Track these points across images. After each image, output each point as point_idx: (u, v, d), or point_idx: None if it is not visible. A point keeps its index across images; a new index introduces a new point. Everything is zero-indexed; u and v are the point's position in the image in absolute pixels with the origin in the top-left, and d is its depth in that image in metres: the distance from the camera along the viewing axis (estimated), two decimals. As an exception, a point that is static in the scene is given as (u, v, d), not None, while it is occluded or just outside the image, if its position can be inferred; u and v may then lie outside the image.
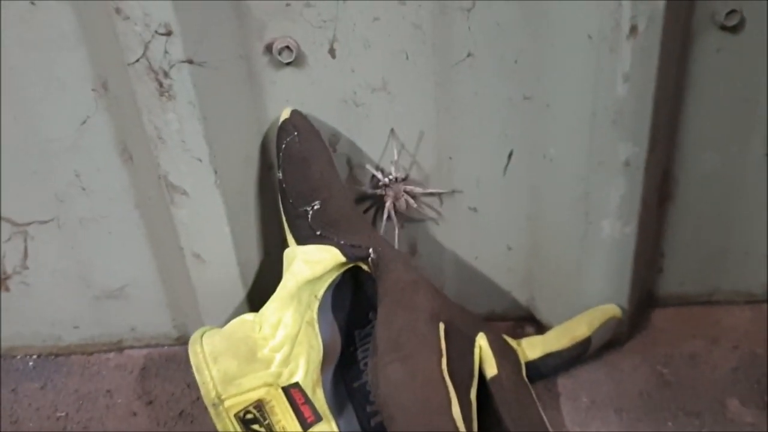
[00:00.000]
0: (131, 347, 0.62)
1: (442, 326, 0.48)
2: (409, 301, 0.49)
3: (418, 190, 0.55)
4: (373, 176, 0.54)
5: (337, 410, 0.51)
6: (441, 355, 0.47)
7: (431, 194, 0.55)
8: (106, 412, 0.57)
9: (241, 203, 0.52)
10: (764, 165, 0.55)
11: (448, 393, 0.46)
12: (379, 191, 0.55)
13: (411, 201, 0.55)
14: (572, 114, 0.49)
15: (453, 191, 0.55)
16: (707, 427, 0.52)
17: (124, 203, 0.54)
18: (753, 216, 0.57)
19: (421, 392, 0.45)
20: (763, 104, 0.52)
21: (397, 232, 0.56)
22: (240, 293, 0.55)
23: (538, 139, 0.52)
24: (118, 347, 0.62)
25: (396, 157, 0.54)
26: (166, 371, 0.60)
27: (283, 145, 0.50)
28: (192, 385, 0.56)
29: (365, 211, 0.56)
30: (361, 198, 0.56)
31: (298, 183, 0.50)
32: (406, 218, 0.56)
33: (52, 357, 0.62)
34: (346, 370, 0.53)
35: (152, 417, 0.56)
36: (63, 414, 0.57)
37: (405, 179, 0.55)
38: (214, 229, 0.52)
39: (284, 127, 0.50)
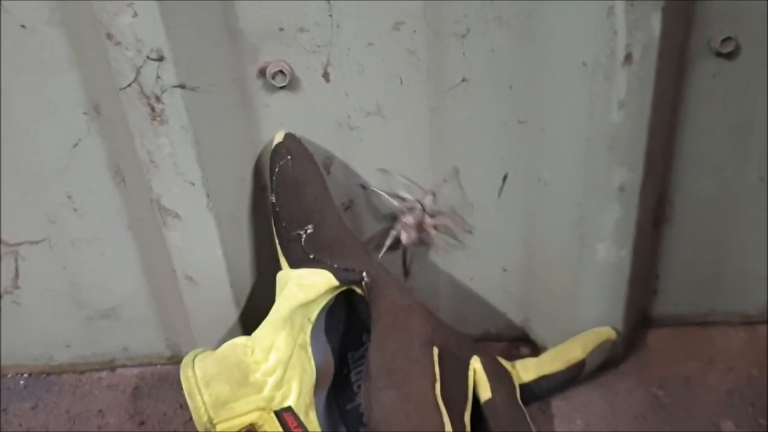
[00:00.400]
0: (123, 366, 0.61)
1: (436, 351, 0.48)
2: (402, 325, 0.48)
3: (441, 222, 0.55)
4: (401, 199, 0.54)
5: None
6: (435, 380, 0.47)
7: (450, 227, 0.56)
8: (98, 433, 0.57)
9: (234, 225, 0.52)
10: (760, 189, 0.55)
11: (441, 418, 0.45)
12: (402, 215, 0.55)
13: (426, 237, 0.55)
14: (567, 139, 0.49)
15: (470, 230, 0.56)
16: (702, 451, 0.52)
17: (116, 225, 0.54)
18: (748, 238, 0.57)
19: (415, 418, 0.45)
20: (758, 129, 0.52)
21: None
22: (233, 314, 0.55)
23: (533, 162, 0.52)
24: (111, 366, 0.61)
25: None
26: (159, 391, 0.59)
27: (276, 169, 0.49)
28: (184, 406, 0.55)
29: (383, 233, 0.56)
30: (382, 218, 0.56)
31: (291, 207, 0.50)
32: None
33: (44, 376, 0.61)
34: (340, 392, 0.53)
35: (144, 438, 0.56)
36: (54, 435, 0.57)
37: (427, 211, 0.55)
38: (207, 252, 0.52)
39: (277, 151, 0.50)
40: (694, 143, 0.52)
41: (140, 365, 0.61)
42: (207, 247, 0.51)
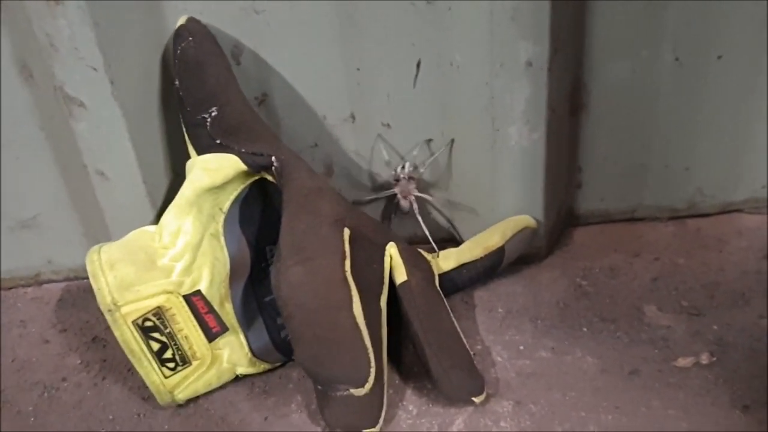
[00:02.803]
0: (50, 281, 0.61)
1: (347, 231, 0.48)
2: (312, 206, 0.48)
3: (426, 197, 0.57)
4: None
5: (247, 323, 0.51)
6: (344, 257, 0.46)
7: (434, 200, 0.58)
8: (19, 340, 0.56)
9: (143, 118, 0.51)
10: (676, 72, 0.54)
11: (349, 291, 0.45)
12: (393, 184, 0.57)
13: (414, 205, 0.56)
14: (472, 14, 0.49)
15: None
16: (622, 331, 0.52)
17: (28, 125, 0.53)
18: (669, 127, 0.57)
19: (322, 291, 0.45)
20: (671, 6, 0.52)
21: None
22: (149, 214, 0.54)
23: (444, 45, 0.51)
24: (37, 281, 0.61)
25: (415, 152, 0.56)
26: (82, 301, 0.59)
27: (178, 51, 0.49)
28: (107, 312, 0.56)
29: (369, 202, 0.58)
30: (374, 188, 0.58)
31: (193, 89, 0.49)
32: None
33: (-31, 293, 0.61)
34: (258, 285, 0.52)
35: (64, 343, 0.55)
36: (-26, 344, 0.56)
37: (414, 179, 0.56)
38: (116, 144, 0.51)
39: (179, 33, 0.49)
40: (605, 22, 0.52)
41: (66, 279, 0.61)
42: (115, 138, 0.51)
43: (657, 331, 0.52)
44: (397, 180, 0.57)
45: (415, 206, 0.56)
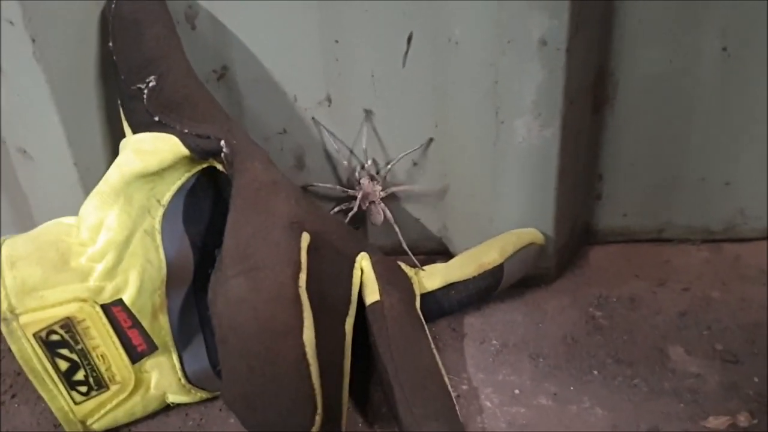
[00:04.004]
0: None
1: (306, 237, 0.39)
2: (264, 204, 0.39)
3: (394, 189, 0.48)
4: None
5: (184, 341, 0.42)
6: (299, 270, 0.37)
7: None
8: (-76, 344, 0.48)
9: (74, 86, 0.43)
10: (723, 64, 0.45)
11: (300, 313, 0.36)
12: (351, 192, 0.48)
13: (387, 212, 0.47)
14: (476, -22, 0.40)
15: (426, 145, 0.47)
16: (641, 378, 0.43)
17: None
18: (710, 132, 0.47)
19: (265, 310, 0.36)
20: (719, -16, 0.43)
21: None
22: (81, 202, 0.45)
23: (442, 17, 0.42)
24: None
25: (364, 146, 0.47)
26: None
27: (113, 5, 0.40)
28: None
29: (335, 212, 0.48)
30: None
31: (129, 53, 0.40)
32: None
33: None
34: (202, 295, 0.43)
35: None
36: None
37: (377, 179, 0.48)
38: (39, 117, 0.42)
39: (116, -16, 0.40)
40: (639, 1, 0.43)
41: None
42: (38, 109, 0.42)
43: (684, 380, 0.42)
44: (353, 185, 0.48)
45: (389, 214, 0.47)
